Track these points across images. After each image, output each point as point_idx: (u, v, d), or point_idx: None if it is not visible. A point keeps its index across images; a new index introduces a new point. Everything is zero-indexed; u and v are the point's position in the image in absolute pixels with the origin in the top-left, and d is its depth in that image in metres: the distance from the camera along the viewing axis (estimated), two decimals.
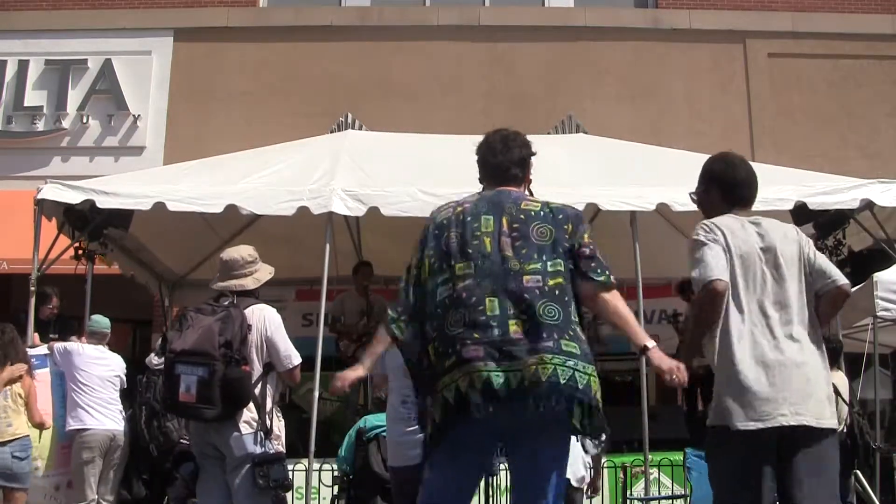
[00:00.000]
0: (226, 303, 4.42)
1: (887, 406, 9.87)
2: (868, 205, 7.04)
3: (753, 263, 3.22)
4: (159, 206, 6.81)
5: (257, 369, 4.37)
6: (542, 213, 3.19)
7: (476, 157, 3.46)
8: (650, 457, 6.89)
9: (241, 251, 4.61)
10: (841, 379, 6.57)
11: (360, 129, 8.83)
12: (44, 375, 6.62)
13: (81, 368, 6.61)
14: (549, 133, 9.32)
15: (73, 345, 6.78)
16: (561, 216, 3.19)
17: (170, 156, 11.17)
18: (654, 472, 6.99)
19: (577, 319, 3.04)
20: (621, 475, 6.98)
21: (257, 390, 4.35)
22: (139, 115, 11.63)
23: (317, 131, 9.23)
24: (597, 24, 12.15)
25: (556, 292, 3.02)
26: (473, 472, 3.18)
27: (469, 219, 3.17)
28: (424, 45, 12.05)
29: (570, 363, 2.92)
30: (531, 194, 3.42)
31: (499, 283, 3.00)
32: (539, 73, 11.91)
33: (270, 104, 11.66)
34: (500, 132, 3.47)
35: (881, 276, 7.36)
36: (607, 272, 3.17)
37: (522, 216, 3.16)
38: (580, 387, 2.92)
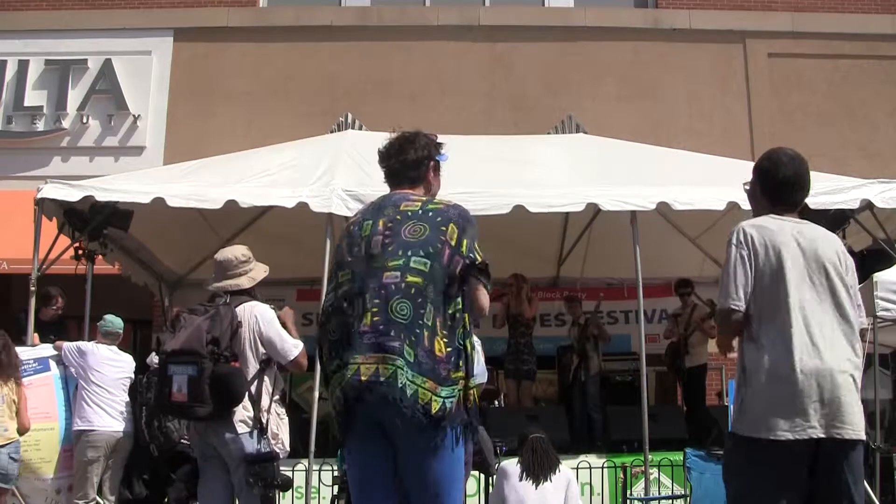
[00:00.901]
0: (219, 302, 4.43)
1: (887, 406, 9.88)
2: (868, 205, 7.04)
3: (791, 267, 3.07)
4: (158, 202, 6.80)
5: (252, 366, 4.38)
6: (419, 212, 3.15)
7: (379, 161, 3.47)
8: (650, 457, 6.88)
9: (235, 251, 4.64)
10: None
11: (360, 129, 8.83)
12: (46, 378, 6.62)
13: (95, 368, 6.61)
14: (549, 133, 9.33)
15: (87, 344, 6.78)
16: (439, 218, 3.11)
17: (170, 156, 11.18)
18: (654, 472, 6.99)
19: (429, 323, 2.93)
20: (621, 475, 6.98)
21: (253, 388, 4.35)
22: (139, 115, 11.64)
23: (317, 131, 9.23)
24: (597, 24, 12.15)
25: (412, 291, 2.95)
26: (375, 457, 3.05)
27: (355, 228, 3.19)
28: (424, 45, 12.06)
29: (405, 369, 2.87)
30: (432, 197, 3.34)
31: (365, 282, 3.00)
32: (539, 73, 11.92)
33: (270, 104, 11.66)
34: (402, 134, 3.43)
35: (881, 276, 7.36)
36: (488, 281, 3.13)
37: (398, 216, 3.14)
38: (408, 395, 2.85)
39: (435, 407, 2.88)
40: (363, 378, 2.87)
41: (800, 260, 3.10)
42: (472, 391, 3.04)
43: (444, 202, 3.23)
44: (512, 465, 5.49)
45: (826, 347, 3.00)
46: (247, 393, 4.33)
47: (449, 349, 2.94)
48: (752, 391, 3.03)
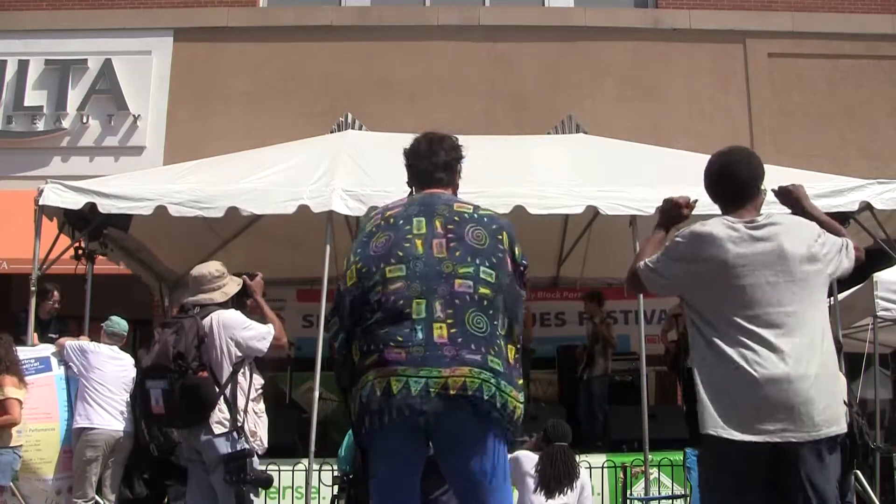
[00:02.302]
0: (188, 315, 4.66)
1: (887, 406, 9.88)
2: (867, 205, 7.04)
3: (745, 273, 2.96)
4: (161, 210, 6.82)
5: (226, 370, 4.56)
6: (475, 215, 3.12)
7: (405, 160, 3.39)
8: (650, 457, 6.88)
9: (210, 267, 4.85)
10: (840, 379, 6.56)
11: (360, 129, 8.83)
12: (47, 378, 6.63)
13: (96, 367, 6.62)
14: (549, 133, 9.32)
15: (89, 343, 6.78)
16: (494, 226, 3.12)
17: (170, 156, 11.18)
18: (654, 472, 6.99)
19: (502, 333, 2.96)
20: (621, 475, 6.98)
21: (228, 391, 4.54)
22: (139, 115, 11.64)
23: (317, 131, 9.23)
24: (597, 24, 12.15)
25: (485, 303, 2.94)
26: (407, 461, 3.01)
27: (401, 221, 3.09)
28: (424, 45, 12.06)
29: (494, 381, 2.86)
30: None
31: (429, 285, 2.92)
32: (539, 73, 11.92)
33: (270, 104, 11.66)
34: (427, 135, 3.40)
35: (881, 276, 7.36)
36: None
37: (457, 217, 3.08)
38: (498, 405, 2.86)
39: (518, 413, 2.93)
40: (452, 392, 2.80)
41: (759, 261, 2.98)
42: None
43: (490, 210, 3.23)
44: (528, 459, 5.40)
45: (784, 351, 2.89)
46: (222, 396, 4.52)
47: (517, 356, 2.98)
48: (705, 398, 2.98)
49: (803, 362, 2.90)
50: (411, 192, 3.35)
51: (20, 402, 6.05)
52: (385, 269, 2.98)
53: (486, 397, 2.82)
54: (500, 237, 3.08)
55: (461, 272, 2.95)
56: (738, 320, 2.96)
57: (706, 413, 2.96)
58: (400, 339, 2.86)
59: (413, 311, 2.89)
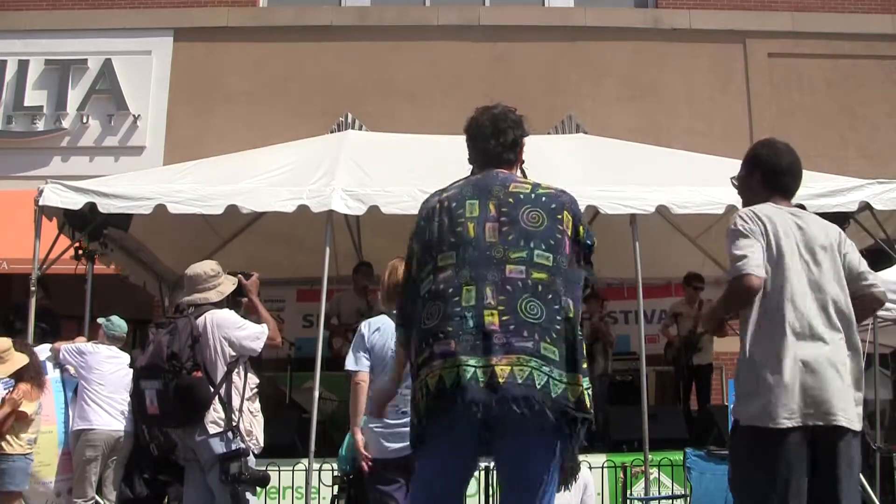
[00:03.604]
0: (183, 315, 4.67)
1: (887, 406, 9.88)
2: (867, 205, 7.04)
3: (793, 255, 3.07)
4: (160, 209, 6.81)
5: (221, 370, 4.56)
6: (532, 196, 2.95)
7: (466, 136, 3.26)
8: (650, 457, 6.88)
9: (204, 266, 4.86)
10: None
11: (360, 129, 8.83)
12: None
13: (95, 367, 6.61)
14: (549, 133, 9.32)
15: (86, 344, 6.78)
16: (554, 205, 2.94)
17: (170, 156, 11.18)
18: (654, 472, 6.98)
19: (561, 318, 2.78)
20: (621, 475, 6.97)
21: (222, 390, 4.55)
22: (139, 115, 11.64)
23: (317, 131, 9.23)
24: (597, 24, 12.15)
25: (539, 288, 2.78)
26: (459, 466, 2.92)
27: (454, 205, 2.95)
28: (424, 45, 12.05)
29: (546, 369, 2.70)
30: (524, 176, 3.16)
31: (479, 271, 2.79)
32: (539, 73, 11.91)
33: (270, 104, 11.66)
34: (489, 110, 3.26)
35: (881, 276, 7.34)
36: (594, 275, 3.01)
37: (511, 199, 2.92)
38: (553, 395, 2.68)
39: (587, 401, 2.74)
40: (501, 380, 2.65)
41: (799, 247, 3.11)
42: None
43: (553, 187, 3.03)
44: None
45: (826, 336, 3.01)
46: (217, 396, 4.53)
47: (580, 339, 2.81)
48: (748, 379, 3.04)
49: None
50: (472, 172, 3.19)
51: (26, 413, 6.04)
52: (437, 257, 2.87)
53: (538, 386, 2.67)
54: (560, 216, 2.92)
55: (513, 257, 2.80)
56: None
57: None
58: (450, 329, 2.74)
59: (462, 299, 2.76)
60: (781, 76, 12.03)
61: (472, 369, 2.67)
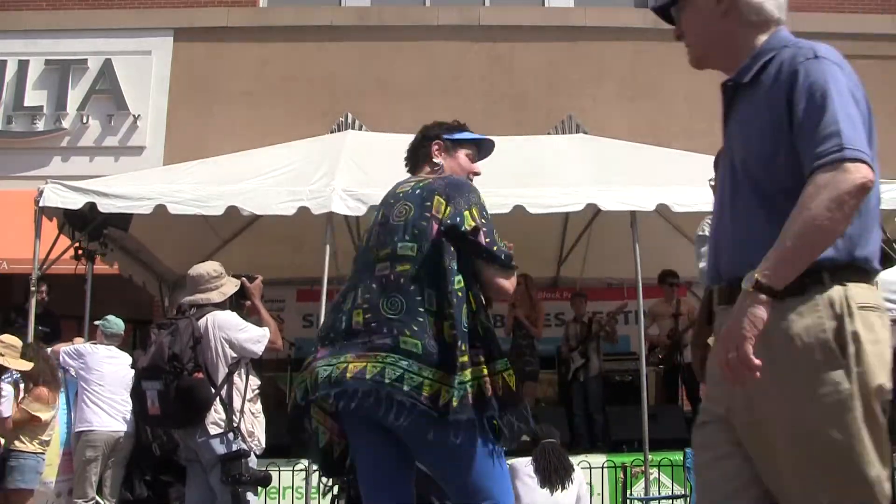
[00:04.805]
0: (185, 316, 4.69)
1: (887, 406, 9.85)
2: None
3: None
4: (160, 209, 6.82)
5: (222, 371, 4.59)
6: (410, 191, 2.92)
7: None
8: (650, 457, 6.89)
9: (207, 267, 4.89)
10: None
11: (360, 129, 8.83)
12: None
13: (94, 368, 6.62)
14: (549, 133, 9.33)
15: (84, 346, 6.78)
16: (425, 192, 2.85)
17: (170, 156, 11.18)
18: (654, 472, 6.99)
19: (424, 310, 2.68)
20: (621, 475, 6.98)
21: (223, 391, 4.57)
22: (139, 115, 11.64)
23: (317, 131, 9.24)
24: (597, 24, 12.15)
25: (402, 280, 2.72)
26: (379, 458, 2.85)
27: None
28: (424, 45, 12.05)
29: (405, 363, 2.62)
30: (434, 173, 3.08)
31: (360, 277, 2.84)
32: (539, 73, 11.92)
33: (270, 104, 11.66)
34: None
35: (881, 276, 7.26)
36: (502, 255, 2.80)
37: (392, 200, 2.95)
38: (406, 388, 2.59)
39: (444, 398, 2.59)
40: (348, 375, 2.65)
41: None
42: (498, 377, 2.70)
43: (438, 178, 2.96)
44: (522, 464, 5.43)
45: None
46: (218, 397, 4.55)
47: (454, 332, 2.65)
48: None
49: None
50: None
51: (40, 417, 6.05)
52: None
53: (387, 380, 2.60)
54: (430, 202, 2.82)
55: (381, 255, 2.81)
56: None
57: None
58: (331, 334, 2.80)
59: (344, 304, 2.82)
60: None
61: (331, 367, 2.69)
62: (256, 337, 4.67)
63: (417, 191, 2.90)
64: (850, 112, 2.08)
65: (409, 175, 3.15)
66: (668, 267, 9.22)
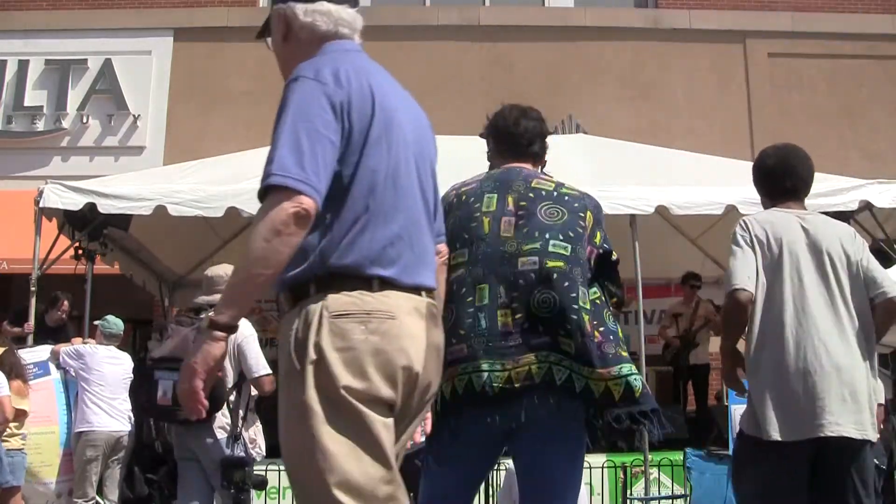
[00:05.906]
0: (203, 316, 4.67)
1: (888, 406, 9.86)
2: (867, 205, 7.04)
3: (796, 260, 2.98)
4: (160, 210, 6.82)
5: (231, 377, 4.61)
6: (554, 193, 2.81)
7: (487, 131, 3.14)
8: (650, 457, 6.88)
9: (225, 268, 4.89)
10: None
11: None
12: (46, 382, 6.63)
13: (94, 368, 6.62)
14: (549, 133, 9.31)
15: (84, 346, 6.78)
16: (577, 204, 2.81)
17: (170, 156, 11.18)
18: (654, 472, 6.98)
19: (585, 306, 2.61)
20: (621, 475, 6.98)
21: (232, 396, 4.61)
22: (139, 115, 11.63)
23: None
24: (597, 24, 12.15)
25: (554, 276, 2.61)
26: (474, 469, 2.83)
27: (471, 199, 2.82)
28: (424, 45, 12.05)
29: (566, 363, 2.57)
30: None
31: (491, 268, 2.65)
32: (539, 73, 11.91)
33: (271, 104, 11.39)
34: (516, 105, 3.14)
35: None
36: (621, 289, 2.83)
37: (532, 194, 2.79)
38: (578, 390, 2.57)
39: (617, 392, 2.58)
40: (517, 384, 2.53)
41: (804, 251, 3.02)
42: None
43: (576, 189, 2.91)
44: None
45: (831, 342, 2.91)
46: (226, 401, 4.57)
47: (602, 329, 2.62)
48: (753, 387, 2.99)
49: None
50: (492, 168, 3.07)
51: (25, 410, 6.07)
52: (449, 255, 2.64)
53: (558, 382, 2.54)
54: (583, 214, 2.79)
55: (526, 249, 2.66)
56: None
57: None
58: (462, 332, 2.60)
59: (476, 299, 2.62)
60: (781, 76, 12.03)
61: (486, 374, 2.56)
62: (261, 364, 4.62)
63: (566, 198, 2.83)
64: (297, 133, 2.14)
65: (511, 161, 2.98)
66: (666, 266, 9.23)
